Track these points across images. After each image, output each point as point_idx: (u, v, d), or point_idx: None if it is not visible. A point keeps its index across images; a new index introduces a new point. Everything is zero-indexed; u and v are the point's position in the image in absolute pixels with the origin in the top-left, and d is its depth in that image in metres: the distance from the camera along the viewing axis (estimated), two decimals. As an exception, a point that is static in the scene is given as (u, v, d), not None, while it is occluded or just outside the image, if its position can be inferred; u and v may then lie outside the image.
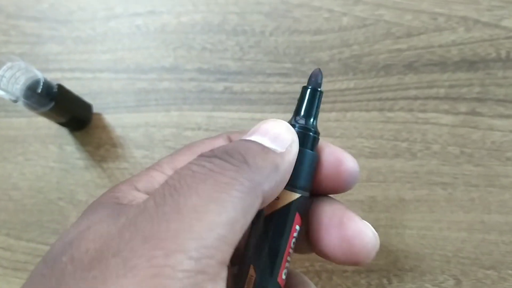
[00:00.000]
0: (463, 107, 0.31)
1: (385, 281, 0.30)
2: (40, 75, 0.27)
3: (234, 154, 0.16)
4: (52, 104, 0.28)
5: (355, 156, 0.31)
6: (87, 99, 0.33)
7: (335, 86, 0.32)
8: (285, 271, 0.19)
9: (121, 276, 0.13)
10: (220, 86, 0.33)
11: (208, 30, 0.34)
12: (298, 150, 0.18)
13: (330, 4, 0.33)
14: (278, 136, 0.18)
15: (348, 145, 0.31)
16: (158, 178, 0.20)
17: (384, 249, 0.30)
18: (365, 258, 0.19)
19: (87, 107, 0.33)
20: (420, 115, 0.31)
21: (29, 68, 0.27)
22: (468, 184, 0.30)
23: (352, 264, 0.19)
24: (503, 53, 0.31)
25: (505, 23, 0.32)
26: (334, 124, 0.32)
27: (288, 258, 0.19)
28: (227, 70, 0.33)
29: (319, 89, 0.20)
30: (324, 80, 0.32)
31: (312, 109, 0.20)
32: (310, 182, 0.20)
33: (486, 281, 0.29)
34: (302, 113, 0.20)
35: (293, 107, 0.32)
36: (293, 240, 0.19)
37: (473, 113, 0.31)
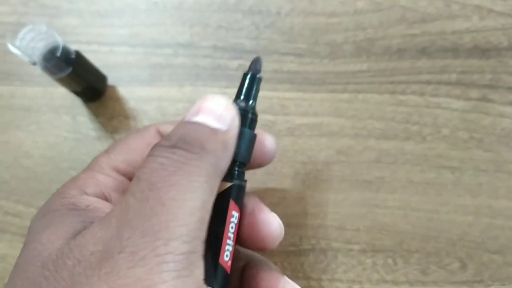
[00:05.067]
0: (474, 93, 0.31)
1: (390, 261, 0.30)
2: (60, 40, 0.28)
3: (192, 141, 0.18)
4: (70, 69, 0.28)
5: (365, 137, 0.31)
6: (102, 71, 0.34)
7: (348, 67, 0.32)
8: (226, 253, 0.21)
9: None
10: (235, 63, 0.33)
11: (225, 9, 0.34)
12: (239, 124, 0.20)
13: (346, -12, 0.33)
14: (221, 115, 0.19)
15: (359, 126, 0.32)
16: (103, 180, 0.22)
17: (390, 230, 0.30)
18: (271, 244, 0.22)
19: (102, 78, 0.33)
20: (432, 99, 0.32)
21: (50, 33, 0.28)
22: (476, 169, 0.31)
23: (260, 248, 0.22)
24: (515, 42, 0.32)
25: (518, 12, 0.32)
26: (345, 105, 0.32)
27: (229, 242, 0.21)
28: (242, 48, 0.34)
29: (258, 75, 0.22)
30: (337, 61, 0.33)
31: (251, 92, 0.22)
32: (247, 159, 0.22)
33: (492, 265, 0.30)
34: (242, 96, 0.22)
35: (306, 86, 0.33)
36: (232, 224, 0.21)
37: (484, 99, 0.31)
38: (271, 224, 0.22)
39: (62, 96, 0.34)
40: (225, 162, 0.19)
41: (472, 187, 0.30)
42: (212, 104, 0.20)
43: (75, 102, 0.34)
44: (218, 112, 0.20)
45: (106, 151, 0.23)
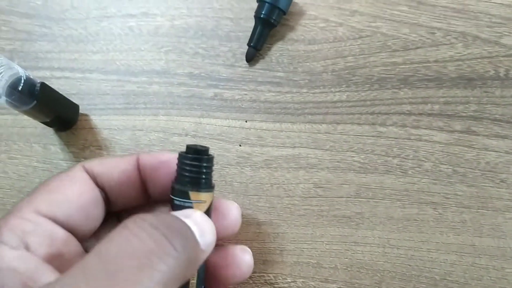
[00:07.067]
0: (458, 125, 0.30)
1: (369, 301, 0.29)
2: (22, 72, 0.27)
3: (175, 233, 0.18)
4: (34, 102, 0.27)
5: (344, 170, 0.30)
6: (75, 99, 0.33)
7: (327, 97, 0.31)
8: None
9: None
10: (211, 92, 0.32)
11: (201, 35, 0.33)
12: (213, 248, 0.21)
13: (326, 14, 0.32)
14: (205, 233, 0.20)
15: (338, 158, 0.30)
16: (21, 226, 0.20)
17: (369, 268, 0.29)
18: (233, 225, 0.24)
19: (73, 107, 0.32)
20: (413, 131, 0.30)
21: (11, 65, 0.26)
22: (459, 205, 0.29)
23: (226, 236, 0.24)
24: (501, 71, 0.30)
25: (505, 40, 0.31)
26: (324, 137, 0.31)
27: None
28: (219, 76, 0.32)
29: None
30: (316, 91, 0.32)
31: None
32: None
33: (475, 307, 0.28)
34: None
35: (284, 117, 0.32)
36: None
37: (468, 131, 0.30)
38: (230, 206, 0.24)
39: (33, 124, 0.33)
40: (189, 274, 0.20)
41: (455, 224, 0.29)
42: (201, 218, 0.21)
43: (47, 131, 0.33)
44: (204, 228, 0.20)
45: (28, 194, 0.22)
